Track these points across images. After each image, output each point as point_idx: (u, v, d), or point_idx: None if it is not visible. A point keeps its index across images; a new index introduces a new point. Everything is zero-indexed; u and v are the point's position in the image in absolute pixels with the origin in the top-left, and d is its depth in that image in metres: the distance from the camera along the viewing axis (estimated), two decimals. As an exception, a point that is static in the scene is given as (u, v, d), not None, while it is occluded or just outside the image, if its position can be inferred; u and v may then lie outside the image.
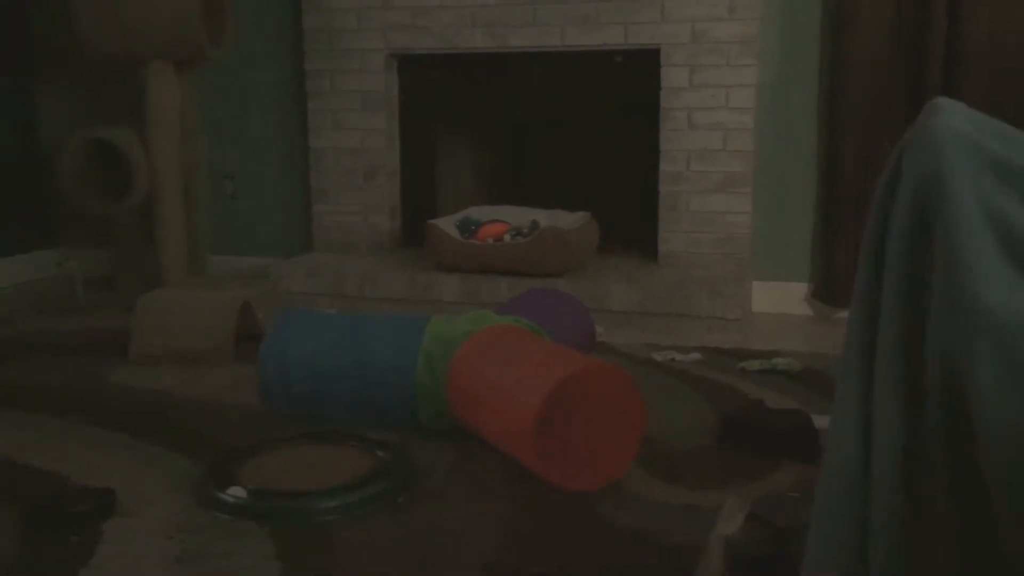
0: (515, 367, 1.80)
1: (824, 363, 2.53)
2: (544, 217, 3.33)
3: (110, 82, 3.88)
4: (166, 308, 2.58)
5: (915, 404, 0.96)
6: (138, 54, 3.24)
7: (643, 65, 3.27)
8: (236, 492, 1.66)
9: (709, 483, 1.77)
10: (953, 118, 0.93)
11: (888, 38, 2.94)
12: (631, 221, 3.59)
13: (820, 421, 2.01)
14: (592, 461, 1.78)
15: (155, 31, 3.16)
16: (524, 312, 2.28)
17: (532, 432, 1.68)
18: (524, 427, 1.69)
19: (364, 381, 1.98)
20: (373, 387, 1.97)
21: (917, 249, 0.94)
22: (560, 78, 3.52)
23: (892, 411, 0.96)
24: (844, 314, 3.15)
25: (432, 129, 3.76)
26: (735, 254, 3.19)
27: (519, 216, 3.37)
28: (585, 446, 1.77)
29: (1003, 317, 0.84)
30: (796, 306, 3.23)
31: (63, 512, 1.61)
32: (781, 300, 3.24)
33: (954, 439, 0.89)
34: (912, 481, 0.96)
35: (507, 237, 3.22)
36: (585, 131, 3.73)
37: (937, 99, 0.96)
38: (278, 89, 3.72)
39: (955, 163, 0.91)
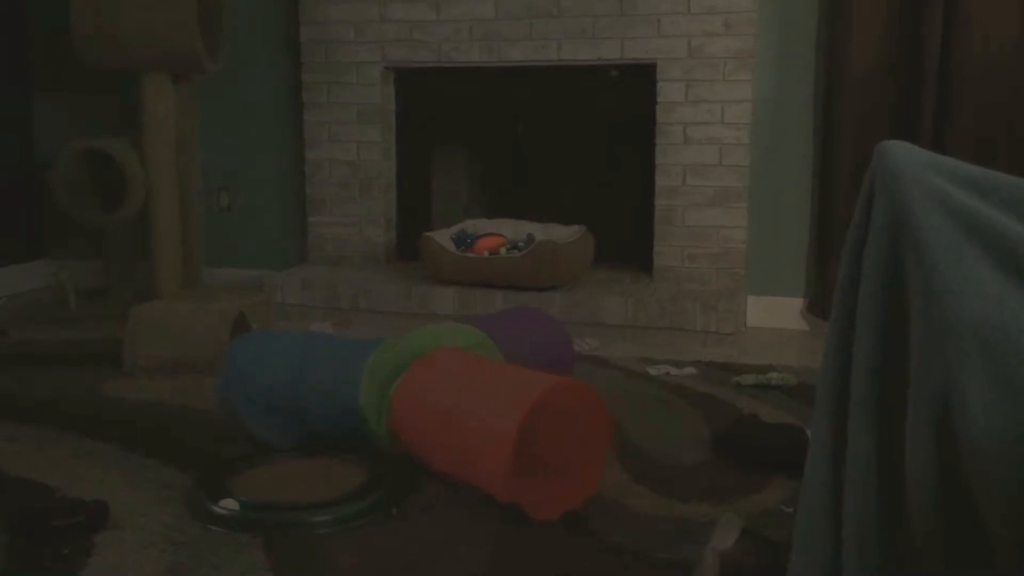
0: (471, 398, 1.71)
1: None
2: (540, 230, 3.33)
3: (107, 93, 3.88)
4: (160, 319, 2.57)
5: (889, 424, 0.96)
6: (135, 65, 3.24)
7: (639, 80, 3.28)
8: (229, 504, 1.65)
9: (703, 497, 1.77)
10: (912, 151, 0.95)
11: (882, 55, 2.95)
12: (626, 235, 3.59)
13: (815, 436, 2.01)
14: (563, 480, 1.75)
15: (151, 43, 3.17)
16: (489, 331, 2.19)
17: (508, 464, 1.61)
18: (497, 459, 1.62)
19: (309, 412, 1.94)
20: (319, 418, 1.93)
21: (892, 274, 0.95)
22: (556, 92, 3.53)
23: (864, 432, 0.97)
24: (839, 329, 3.15)
25: (428, 142, 3.77)
26: (730, 268, 3.20)
27: (515, 229, 3.38)
28: (556, 466, 1.75)
29: (988, 333, 0.85)
30: (791, 320, 3.23)
31: (55, 524, 1.60)
32: (776, 315, 3.24)
33: (942, 457, 0.90)
34: (883, 503, 0.96)
35: (503, 250, 3.22)
36: (581, 145, 3.74)
37: (883, 142, 0.98)
38: (274, 101, 3.73)
39: (921, 186, 0.92)
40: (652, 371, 2.61)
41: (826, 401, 1.04)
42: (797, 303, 3.22)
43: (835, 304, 1.03)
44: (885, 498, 0.96)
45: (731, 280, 3.20)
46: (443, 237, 3.28)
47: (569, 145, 3.77)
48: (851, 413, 0.99)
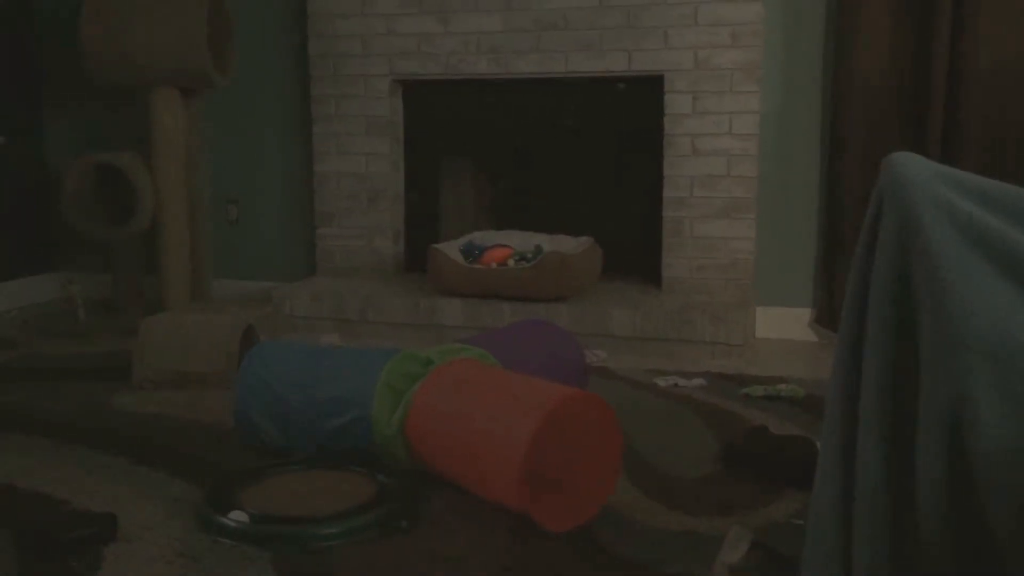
0: (484, 409, 1.72)
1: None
2: (548, 242, 3.33)
3: (116, 108, 3.90)
4: (169, 332, 2.58)
5: (898, 436, 0.96)
6: (144, 81, 3.26)
7: (646, 92, 3.29)
8: (238, 517, 1.65)
9: (712, 510, 1.76)
10: (921, 163, 0.95)
11: (890, 65, 2.95)
12: (634, 246, 3.59)
13: (824, 448, 2.00)
14: (573, 493, 1.75)
15: (161, 59, 3.19)
16: (502, 344, 2.20)
17: (520, 473, 1.61)
18: (509, 470, 1.62)
19: (321, 421, 1.94)
20: (334, 431, 1.94)
21: (901, 287, 0.95)
22: (564, 104, 3.53)
23: (873, 445, 0.97)
24: (848, 340, 3.14)
25: (436, 154, 3.78)
26: (738, 280, 3.20)
27: (523, 241, 3.38)
28: (567, 479, 1.75)
29: (997, 344, 0.84)
30: (800, 332, 3.22)
31: (64, 537, 1.61)
32: (784, 326, 3.23)
33: (952, 467, 0.89)
34: (895, 512, 0.96)
35: (511, 262, 3.22)
36: (589, 157, 3.74)
37: (892, 155, 0.98)
38: (283, 114, 3.75)
39: (931, 198, 0.92)
40: (661, 382, 2.60)
41: (836, 412, 1.04)
42: (805, 314, 3.22)
43: (844, 315, 1.03)
44: (896, 507, 0.96)
45: (739, 291, 3.20)
46: (451, 249, 3.28)
47: (577, 156, 3.78)
48: (861, 423, 0.99)
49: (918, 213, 0.92)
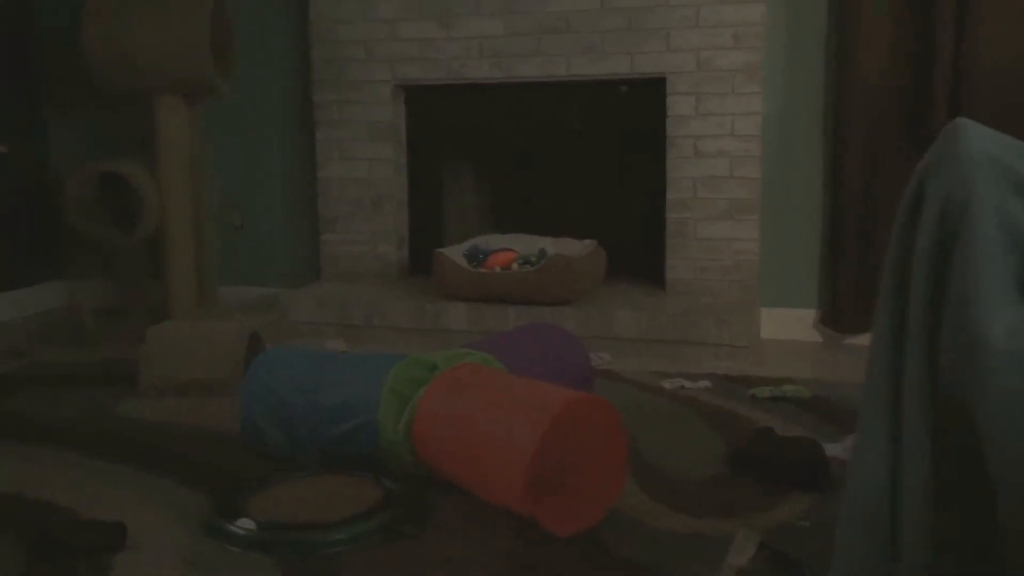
0: (490, 414, 1.72)
1: (834, 390, 2.52)
2: (552, 245, 3.34)
3: (120, 114, 3.91)
4: (175, 339, 2.59)
5: (941, 430, 0.95)
6: (147, 87, 3.27)
7: (649, 94, 3.29)
8: (245, 524, 1.66)
9: (718, 512, 1.76)
10: (979, 141, 0.91)
11: (891, 66, 2.95)
12: (638, 249, 3.59)
13: (830, 449, 2.00)
14: (579, 497, 1.75)
15: (164, 65, 3.19)
16: (507, 348, 2.20)
17: (525, 478, 1.61)
18: (515, 474, 1.62)
19: (330, 429, 1.95)
20: (340, 436, 1.95)
21: (940, 276, 0.92)
22: (566, 107, 3.54)
23: (920, 439, 0.94)
24: (852, 340, 3.14)
25: (439, 158, 3.78)
26: (743, 281, 3.19)
27: (527, 244, 3.38)
28: (572, 482, 1.74)
29: (1007, 351, 0.84)
30: (805, 332, 3.22)
31: (72, 545, 1.61)
32: (789, 327, 3.23)
33: (965, 463, 0.89)
34: (940, 505, 0.95)
35: (515, 265, 3.22)
36: (592, 159, 3.75)
37: (958, 120, 0.94)
38: (286, 120, 3.75)
39: (982, 191, 0.89)
40: (666, 385, 2.60)
41: (877, 403, 1.00)
42: (810, 315, 3.21)
43: (881, 300, 0.99)
44: (939, 505, 0.94)
45: (744, 292, 3.20)
46: (455, 253, 3.29)
47: (580, 159, 3.78)
48: (905, 415, 0.95)
49: (973, 191, 0.87)
